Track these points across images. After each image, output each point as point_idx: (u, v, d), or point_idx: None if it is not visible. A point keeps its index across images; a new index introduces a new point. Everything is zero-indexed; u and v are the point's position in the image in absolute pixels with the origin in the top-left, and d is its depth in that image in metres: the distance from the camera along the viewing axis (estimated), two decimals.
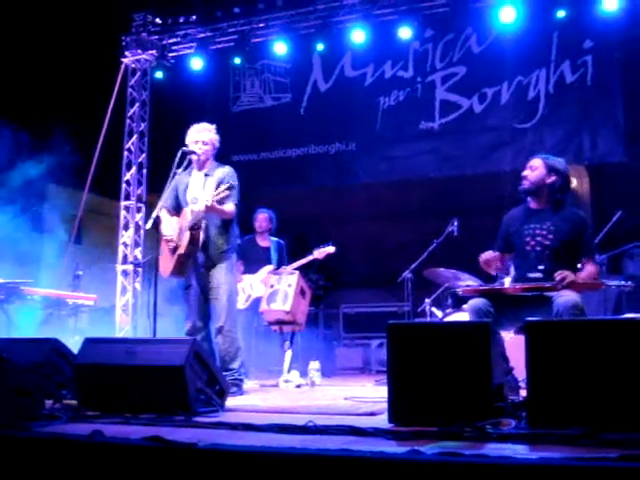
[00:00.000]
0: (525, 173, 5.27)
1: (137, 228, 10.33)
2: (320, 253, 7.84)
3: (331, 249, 7.83)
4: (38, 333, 7.47)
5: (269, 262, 8.06)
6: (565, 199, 5.26)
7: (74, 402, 4.71)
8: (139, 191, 10.43)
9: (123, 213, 10.37)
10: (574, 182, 7.71)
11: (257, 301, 7.71)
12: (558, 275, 4.82)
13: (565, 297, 4.72)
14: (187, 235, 5.94)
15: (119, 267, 10.16)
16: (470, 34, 9.56)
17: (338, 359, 8.92)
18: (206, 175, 6.20)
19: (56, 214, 10.29)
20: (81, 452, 3.30)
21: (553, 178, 5.20)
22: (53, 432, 3.67)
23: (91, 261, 9.44)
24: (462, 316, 6.79)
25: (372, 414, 4.38)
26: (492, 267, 5.30)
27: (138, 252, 10.23)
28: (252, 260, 8.07)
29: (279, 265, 8.04)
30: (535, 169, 5.24)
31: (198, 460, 3.05)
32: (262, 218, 8.21)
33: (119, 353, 4.65)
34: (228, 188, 5.77)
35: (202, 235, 5.98)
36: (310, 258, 7.88)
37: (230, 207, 6.02)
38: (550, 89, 9.13)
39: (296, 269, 7.78)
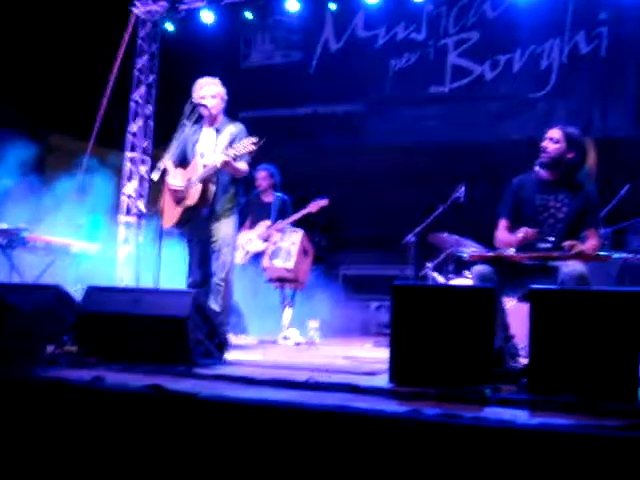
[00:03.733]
0: (545, 144, 5.16)
1: (141, 180, 10.30)
2: (313, 206, 7.78)
3: (324, 202, 7.77)
4: (40, 280, 7.47)
5: (269, 218, 8.01)
6: (579, 174, 5.20)
7: (75, 349, 4.73)
8: (145, 143, 10.38)
9: (127, 164, 10.32)
10: (592, 158, 7.64)
11: (255, 257, 7.70)
12: (567, 244, 4.80)
13: (571, 267, 4.71)
14: (198, 187, 5.92)
15: (122, 218, 10.14)
16: None
17: (337, 319, 8.92)
18: (217, 130, 6.17)
19: (60, 163, 10.26)
20: (82, 397, 3.32)
21: (572, 154, 5.11)
22: (54, 377, 3.68)
23: (94, 211, 9.40)
24: (463, 282, 6.80)
25: (372, 373, 4.40)
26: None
27: (141, 204, 10.20)
28: (254, 216, 8.03)
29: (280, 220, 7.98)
30: (556, 142, 5.14)
31: (198, 410, 3.07)
32: (261, 177, 8.11)
33: (121, 302, 4.67)
34: (252, 144, 5.73)
35: (212, 188, 5.97)
36: (304, 212, 7.82)
37: (243, 166, 6.01)
38: (564, 59, 9.05)
39: (293, 224, 7.76)
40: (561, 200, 5.08)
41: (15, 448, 3.34)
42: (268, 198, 8.11)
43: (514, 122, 9.07)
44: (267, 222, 7.89)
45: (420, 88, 9.67)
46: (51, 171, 10.35)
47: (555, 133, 5.16)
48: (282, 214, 8.04)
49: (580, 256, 4.78)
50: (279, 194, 8.14)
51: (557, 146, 5.11)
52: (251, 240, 7.85)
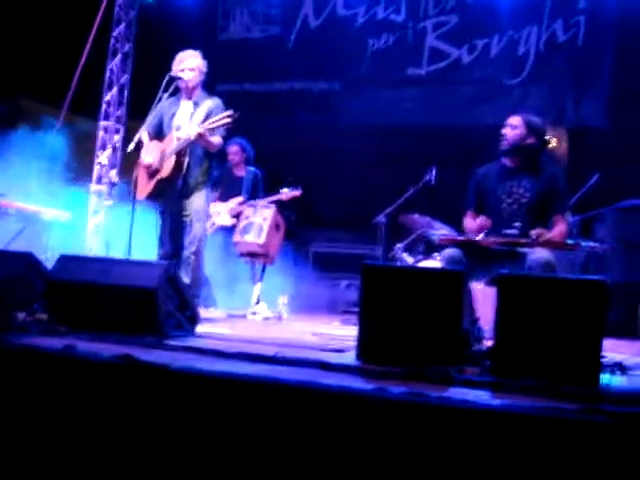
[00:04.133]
0: (505, 131, 5.28)
1: (114, 149, 10.25)
2: (286, 195, 7.80)
3: (297, 192, 7.79)
4: (10, 247, 7.43)
5: (241, 192, 8.01)
6: (541, 159, 5.31)
7: (45, 316, 4.74)
8: (119, 112, 10.31)
9: (101, 133, 10.26)
10: (554, 142, 7.73)
11: (222, 230, 7.70)
12: (534, 232, 4.91)
13: (538, 254, 4.82)
14: (172, 159, 5.94)
15: (93, 187, 10.09)
16: None
17: (306, 296, 8.98)
18: (195, 104, 6.17)
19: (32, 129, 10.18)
20: (53, 365, 3.34)
21: (532, 139, 5.23)
22: (25, 344, 3.70)
23: (66, 179, 9.33)
24: (432, 263, 6.86)
25: (340, 350, 4.45)
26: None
27: (113, 173, 10.15)
28: (225, 189, 8.02)
29: (252, 196, 8.00)
30: (515, 128, 5.25)
31: (168, 381, 3.11)
32: (233, 151, 8.10)
33: (93, 271, 4.67)
34: (228, 117, 5.75)
35: (186, 161, 5.98)
36: (275, 198, 7.84)
37: (217, 139, 6.03)
38: (541, 47, 9.11)
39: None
40: (524, 185, 5.18)
41: None
42: (240, 172, 8.11)
43: (489, 107, 9.11)
44: (239, 198, 7.90)
45: (397, 69, 9.69)
46: (22, 136, 10.25)
47: (514, 120, 5.28)
48: (254, 189, 8.05)
49: (548, 244, 4.88)
50: (252, 168, 8.14)
51: (516, 132, 5.23)
52: (219, 213, 7.85)
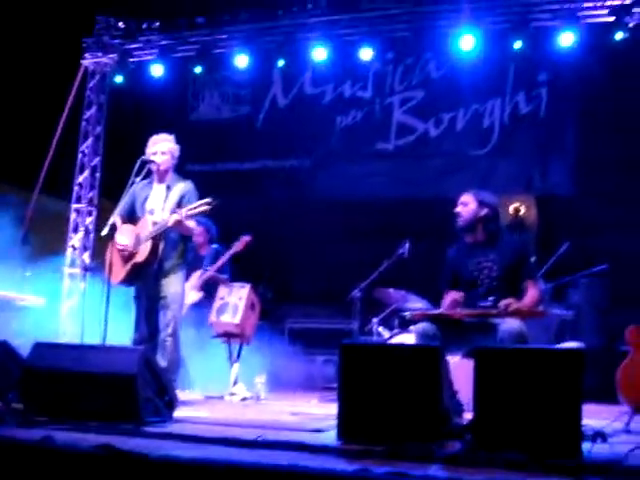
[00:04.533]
0: (458, 209, 5.42)
1: (87, 232, 10.24)
2: (239, 245, 7.83)
3: (247, 238, 7.84)
4: None
5: (200, 268, 8.02)
6: (499, 229, 5.44)
7: (21, 406, 4.67)
8: (91, 194, 10.35)
9: (73, 216, 10.27)
10: (522, 210, 7.85)
11: (192, 308, 7.65)
12: (503, 303, 4.98)
13: (508, 324, 4.88)
14: (148, 244, 5.94)
15: (67, 270, 10.06)
16: (430, 59, 9.71)
17: (283, 374, 8.93)
18: (167, 188, 6.22)
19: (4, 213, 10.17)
20: (31, 457, 3.29)
21: (485, 210, 5.36)
22: (1, 435, 3.65)
23: (38, 263, 9.29)
24: (408, 337, 6.87)
25: (319, 430, 4.42)
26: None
27: (86, 256, 10.13)
28: (189, 269, 8.02)
29: (217, 271, 7.99)
30: (466, 204, 5.40)
31: (149, 471, 3.08)
32: (198, 233, 8.06)
33: (69, 359, 4.64)
34: (205, 204, 5.79)
35: (162, 245, 5.99)
36: (231, 252, 7.85)
37: (192, 224, 6.06)
38: (505, 119, 9.32)
39: (227, 271, 7.89)
40: (492, 259, 5.27)
41: None
42: (204, 251, 8.13)
43: (457, 179, 9.26)
44: (199, 272, 7.90)
45: (366, 144, 9.85)
46: None
47: (465, 197, 5.46)
48: (215, 263, 8.06)
49: (517, 313, 4.95)
50: (214, 246, 8.16)
51: (468, 208, 5.37)
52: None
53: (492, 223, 5.39)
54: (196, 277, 7.85)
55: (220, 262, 7.87)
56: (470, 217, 5.37)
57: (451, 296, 5.21)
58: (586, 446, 3.59)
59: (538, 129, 9.20)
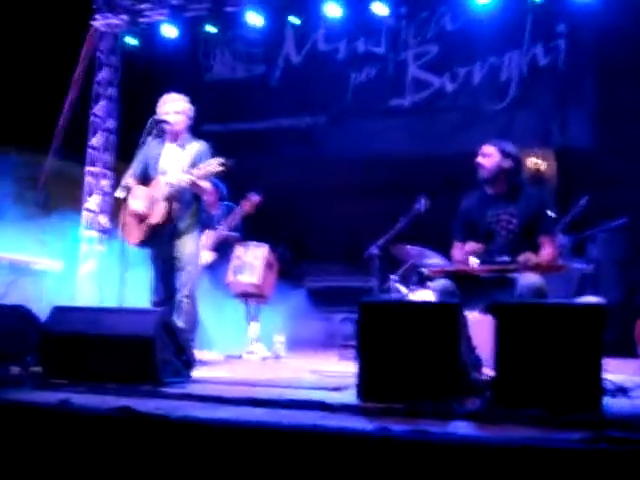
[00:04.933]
0: (480, 160, 5.34)
1: (103, 194, 10.23)
2: (247, 205, 7.74)
3: (256, 198, 7.75)
4: (2, 299, 7.38)
5: (212, 227, 7.97)
6: (522, 182, 5.36)
7: (40, 369, 4.69)
8: (106, 157, 10.31)
9: (88, 179, 10.24)
10: (542, 165, 7.76)
11: (207, 268, 7.63)
12: (522, 257, 4.92)
13: (527, 279, 4.84)
14: (162, 205, 5.91)
15: (84, 233, 10.06)
16: (444, 12, 9.55)
17: (302, 332, 8.95)
18: (181, 147, 6.16)
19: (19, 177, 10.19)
20: (49, 420, 3.30)
21: (508, 162, 5.28)
22: (20, 399, 3.66)
23: (54, 226, 9.30)
24: (426, 293, 6.84)
25: (339, 389, 4.41)
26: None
27: (103, 219, 10.13)
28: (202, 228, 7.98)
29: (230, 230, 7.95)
30: (489, 155, 5.31)
31: (169, 432, 3.07)
32: (208, 192, 8.02)
33: (87, 322, 4.65)
34: (220, 164, 5.75)
35: (176, 206, 5.96)
36: (239, 213, 7.79)
37: (207, 184, 6.01)
38: (523, 71, 9.18)
39: (239, 230, 7.83)
40: (510, 212, 5.21)
41: None
42: (215, 210, 8.07)
43: (474, 134, 9.12)
44: (211, 232, 7.85)
45: (380, 101, 9.74)
46: (12, 185, 10.24)
47: (487, 148, 5.36)
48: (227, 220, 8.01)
49: (536, 268, 4.89)
50: (225, 203, 8.10)
51: (491, 159, 5.28)
52: None
53: (514, 176, 5.32)
54: (209, 236, 7.81)
55: (229, 221, 7.78)
56: (493, 168, 5.28)
57: (469, 246, 5.16)
58: (607, 400, 3.57)
59: (557, 81, 9.05)
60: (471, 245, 5.20)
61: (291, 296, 8.62)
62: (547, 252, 5.12)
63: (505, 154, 5.29)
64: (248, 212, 7.77)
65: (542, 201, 5.37)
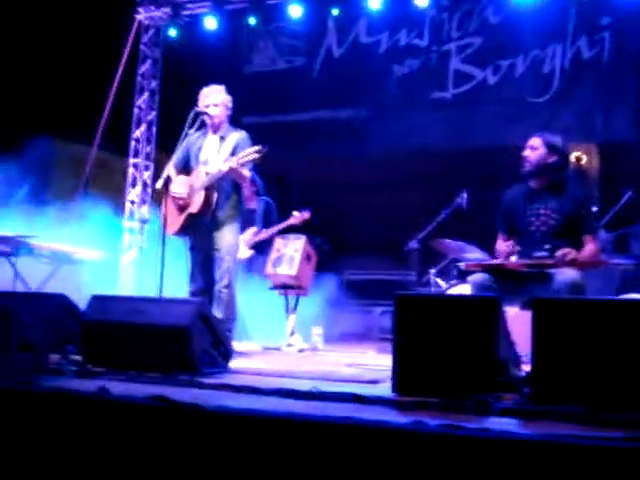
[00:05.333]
0: (526, 153, 5.26)
1: (144, 186, 10.32)
2: (296, 218, 7.84)
3: (307, 215, 7.84)
4: (44, 288, 7.48)
5: (254, 223, 8.01)
6: (566, 177, 5.27)
7: (79, 358, 4.74)
8: (148, 149, 10.41)
9: (131, 170, 10.34)
10: (584, 159, 7.66)
11: (243, 262, 7.66)
12: (560, 252, 4.85)
13: (564, 275, 4.77)
14: (202, 194, 5.96)
15: (125, 224, 10.17)
16: (487, 4, 9.44)
17: (340, 325, 8.95)
18: (221, 138, 6.21)
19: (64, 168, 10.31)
20: (87, 408, 3.33)
21: (554, 157, 5.20)
22: (59, 387, 3.70)
23: (96, 216, 9.41)
24: (466, 288, 6.79)
25: (374, 382, 4.41)
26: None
27: (145, 210, 10.23)
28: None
29: (265, 225, 8.02)
30: (535, 149, 5.23)
31: (204, 421, 3.09)
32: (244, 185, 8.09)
33: (126, 311, 4.69)
34: (257, 152, 5.77)
35: (215, 195, 5.99)
36: (287, 223, 7.87)
37: (247, 172, 6.04)
38: (566, 64, 9.04)
39: (278, 232, 7.88)
40: (551, 207, 5.14)
41: (22, 460, 3.35)
42: (252, 205, 8.10)
43: (517, 127, 9.02)
44: (253, 229, 7.90)
45: (423, 94, 9.66)
46: (55, 176, 10.38)
47: (534, 141, 5.27)
48: (266, 218, 8.05)
49: (574, 263, 4.82)
50: (263, 198, 8.13)
51: (537, 152, 5.22)
52: None
53: (559, 171, 5.23)
54: (250, 234, 7.85)
55: (275, 228, 7.86)
56: (538, 162, 5.21)
57: (508, 246, 5.11)
58: None
59: (601, 74, 8.90)
60: (509, 245, 5.15)
61: (330, 288, 8.62)
62: (589, 249, 5.04)
63: (551, 148, 5.20)
64: (294, 224, 7.84)
65: (586, 199, 5.27)
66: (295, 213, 7.89)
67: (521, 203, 5.27)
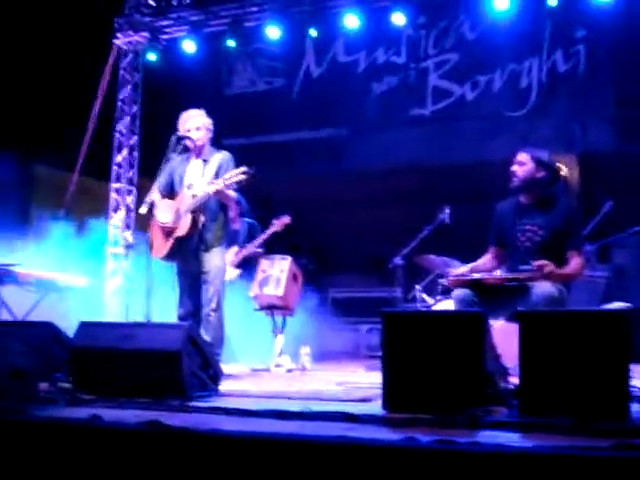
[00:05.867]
0: (514, 169, 5.28)
1: (127, 210, 10.32)
2: (277, 225, 7.88)
3: (287, 219, 7.88)
4: (30, 315, 7.46)
5: (237, 243, 8.03)
6: (555, 192, 5.30)
7: (68, 385, 4.73)
8: (130, 174, 10.41)
9: (113, 195, 10.34)
10: (564, 171, 7.72)
11: (230, 284, 7.66)
12: (537, 263, 4.88)
13: (541, 287, 4.79)
14: (188, 217, 5.97)
15: (109, 249, 10.15)
16: (463, 21, 9.58)
17: (327, 343, 8.97)
18: (204, 161, 6.23)
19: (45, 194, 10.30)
20: (80, 436, 3.33)
21: (542, 173, 5.21)
22: (51, 416, 3.70)
23: (79, 242, 9.39)
24: (451, 304, 6.83)
25: (365, 400, 4.42)
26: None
27: (128, 234, 10.19)
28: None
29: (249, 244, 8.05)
30: (523, 164, 5.25)
31: (197, 445, 3.10)
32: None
33: (114, 337, 4.68)
34: (243, 173, 5.80)
35: (202, 218, 6.01)
36: (270, 232, 7.90)
37: (232, 193, 6.07)
38: (542, 78, 9.17)
39: (262, 245, 7.91)
40: (538, 223, 5.15)
41: None
42: (236, 226, 8.12)
43: (496, 142, 9.15)
44: (235, 248, 7.91)
45: (402, 111, 9.76)
46: (36, 202, 10.36)
47: (521, 156, 5.28)
48: (250, 238, 8.08)
49: (551, 276, 4.85)
50: (246, 219, 8.16)
51: (525, 168, 5.23)
52: None
53: (548, 186, 5.24)
54: (233, 253, 7.86)
55: (258, 240, 7.90)
56: (526, 177, 5.21)
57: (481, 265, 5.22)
58: (634, 407, 3.55)
59: (577, 86, 9.04)
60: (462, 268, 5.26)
61: (316, 308, 8.64)
62: (573, 264, 5.06)
63: (539, 163, 5.20)
64: (276, 232, 7.86)
65: (574, 215, 5.24)
66: (274, 221, 7.90)
67: (510, 217, 5.29)
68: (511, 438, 3.20)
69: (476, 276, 5.19)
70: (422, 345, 3.84)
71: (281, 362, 7.15)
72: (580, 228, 5.54)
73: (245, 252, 7.89)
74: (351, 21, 9.36)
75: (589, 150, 8.95)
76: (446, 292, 7.33)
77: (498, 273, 5.33)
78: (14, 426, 3.54)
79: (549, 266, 4.85)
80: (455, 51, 9.64)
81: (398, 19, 9.21)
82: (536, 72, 9.22)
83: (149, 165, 8.67)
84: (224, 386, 5.00)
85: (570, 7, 8.62)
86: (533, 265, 4.90)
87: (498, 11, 8.80)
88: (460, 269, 6.65)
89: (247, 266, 7.88)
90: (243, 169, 5.84)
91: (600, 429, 3.16)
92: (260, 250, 7.95)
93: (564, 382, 3.54)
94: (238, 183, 5.91)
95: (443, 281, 6.44)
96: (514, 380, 3.97)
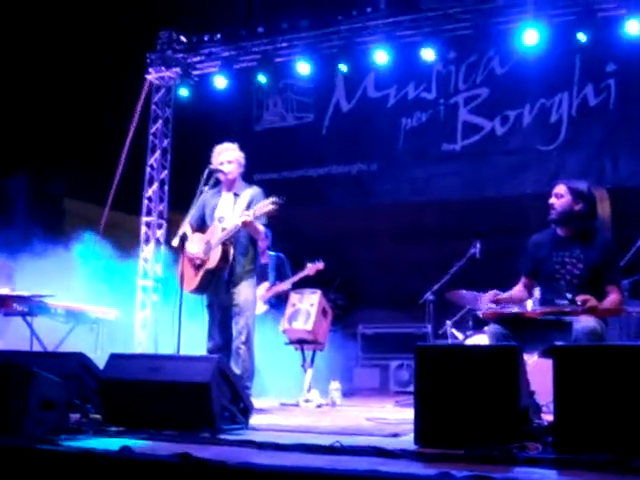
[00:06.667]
0: (552, 201, 5.20)
1: (157, 244, 10.38)
2: (310, 269, 7.90)
3: (321, 265, 7.89)
4: (61, 346, 7.50)
5: (266, 279, 8.05)
6: (593, 225, 5.21)
7: (98, 416, 4.74)
8: (160, 207, 10.48)
9: (144, 229, 10.41)
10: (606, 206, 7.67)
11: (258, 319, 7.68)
12: (579, 298, 4.81)
13: (583, 323, 4.70)
14: (219, 250, 6.00)
15: (139, 282, 10.20)
16: (493, 56, 9.58)
17: (356, 379, 8.93)
18: (235, 195, 6.27)
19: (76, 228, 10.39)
20: (110, 467, 3.32)
21: (580, 205, 5.13)
22: (81, 447, 3.69)
23: (110, 275, 9.46)
24: (483, 338, 6.77)
25: (396, 435, 4.39)
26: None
27: (158, 268, 10.27)
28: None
29: (278, 279, 8.07)
30: (560, 197, 5.17)
31: (227, 478, 3.07)
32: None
33: (145, 369, 4.69)
34: (272, 203, 5.82)
35: (232, 250, 6.03)
36: (302, 275, 7.92)
37: (261, 227, 6.09)
38: (573, 112, 9.13)
39: (292, 286, 7.92)
40: (576, 256, 5.06)
41: None
42: (264, 260, 8.14)
43: (527, 176, 9.12)
44: (266, 284, 7.92)
45: (432, 146, 9.75)
46: (67, 235, 10.44)
47: (559, 188, 5.20)
48: (279, 273, 8.10)
49: (593, 311, 4.77)
50: (272, 253, 8.18)
51: (563, 200, 5.15)
52: None
53: (586, 219, 5.16)
54: (263, 289, 7.87)
55: (290, 281, 7.92)
56: (564, 210, 5.14)
57: (489, 296, 5.13)
58: None
59: (608, 120, 8.98)
60: (490, 295, 5.17)
61: (345, 343, 8.61)
62: (611, 299, 4.96)
63: (577, 195, 5.12)
64: (309, 275, 7.89)
65: (613, 248, 5.16)
66: (309, 264, 7.93)
67: (547, 249, 5.21)
68: (547, 475, 3.14)
69: (514, 310, 5.10)
70: (456, 379, 3.81)
71: (310, 397, 7.11)
72: (618, 262, 5.44)
73: (275, 290, 7.91)
74: (381, 57, 9.41)
75: (620, 184, 8.87)
76: (477, 327, 7.27)
77: (530, 305, 5.25)
78: (45, 456, 3.53)
79: (592, 300, 4.76)
80: (485, 86, 9.63)
81: (428, 55, 9.25)
82: (566, 106, 9.19)
83: (179, 199, 8.74)
84: (254, 420, 4.97)
85: (600, 41, 8.59)
86: (576, 299, 4.81)
87: (527, 46, 8.81)
88: (489, 294, 6.58)
89: (277, 300, 7.90)
90: (273, 199, 5.86)
91: (637, 467, 3.09)
92: (290, 288, 7.97)
93: (600, 418, 3.48)
94: (268, 214, 5.93)
95: (479, 313, 6.37)
96: (547, 417, 3.91)
